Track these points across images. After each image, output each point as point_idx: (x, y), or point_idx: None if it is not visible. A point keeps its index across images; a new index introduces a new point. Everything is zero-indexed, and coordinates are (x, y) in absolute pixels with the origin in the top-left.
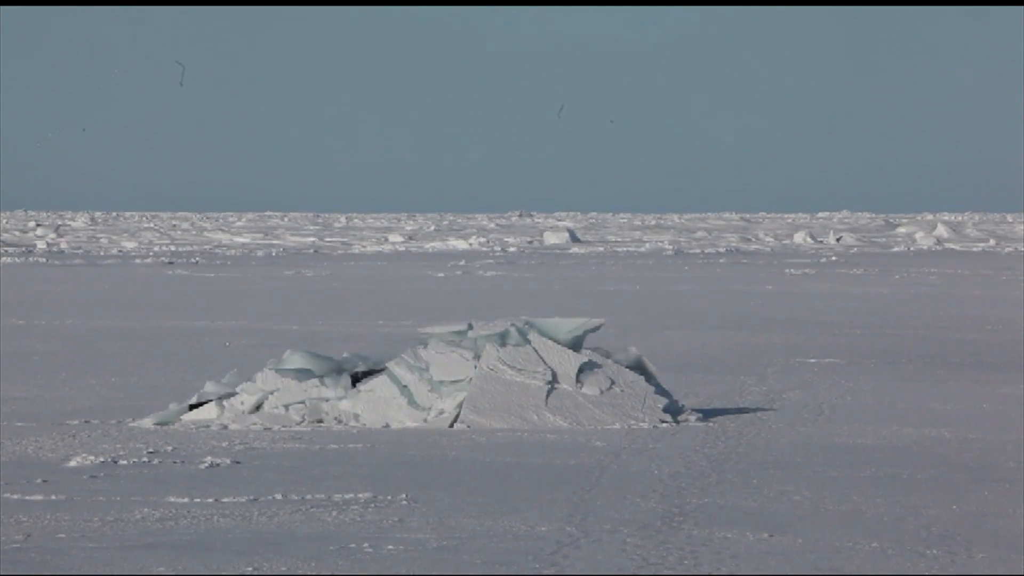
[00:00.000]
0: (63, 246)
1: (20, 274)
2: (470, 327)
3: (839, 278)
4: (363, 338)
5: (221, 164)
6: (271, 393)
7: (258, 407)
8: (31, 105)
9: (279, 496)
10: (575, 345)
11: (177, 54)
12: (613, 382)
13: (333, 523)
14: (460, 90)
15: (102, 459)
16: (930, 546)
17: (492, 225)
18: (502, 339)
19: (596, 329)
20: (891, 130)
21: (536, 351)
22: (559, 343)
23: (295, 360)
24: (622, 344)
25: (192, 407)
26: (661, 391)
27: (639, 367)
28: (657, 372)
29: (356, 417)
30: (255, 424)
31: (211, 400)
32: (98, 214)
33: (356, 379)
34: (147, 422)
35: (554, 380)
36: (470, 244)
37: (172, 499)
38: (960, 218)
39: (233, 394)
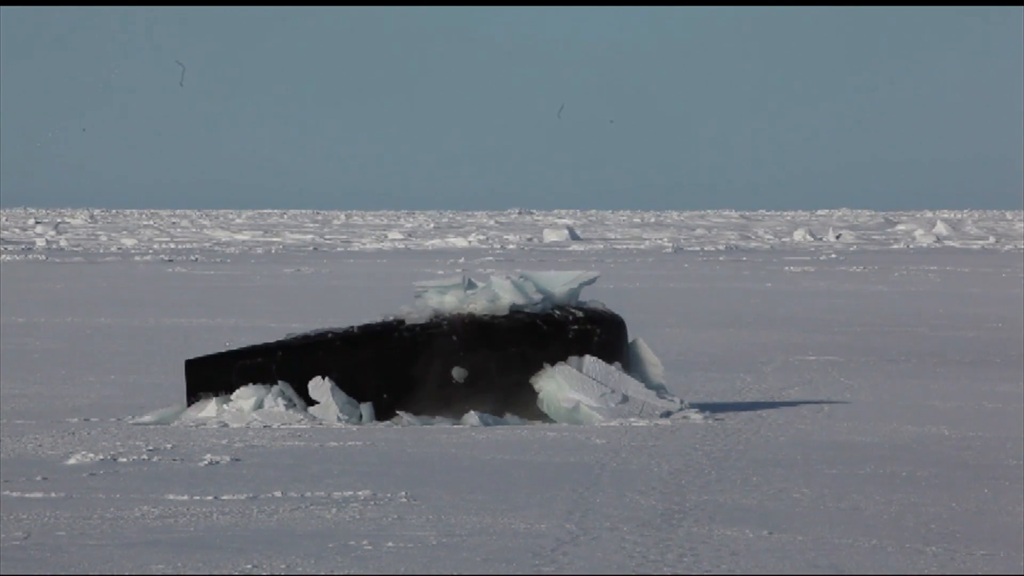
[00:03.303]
0: (62, 243)
1: (20, 271)
2: (467, 282)
3: (838, 276)
4: None
5: (220, 162)
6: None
7: (259, 405)
8: (31, 105)
9: (278, 494)
10: (571, 298)
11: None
12: (625, 397)
13: (332, 520)
14: (460, 88)
15: (102, 457)
16: (929, 543)
17: (492, 222)
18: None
19: (591, 282)
20: (891, 127)
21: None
22: (556, 296)
23: None
24: None
25: (190, 365)
26: (661, 389)
27: (642, 358)
28: (660, 364)
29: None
30: (255, 421)
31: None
32: (97, 211)
33: None
34: (147, 420)
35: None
36: (469, 242)
37: (172, 497)
38: (960, 215)
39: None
